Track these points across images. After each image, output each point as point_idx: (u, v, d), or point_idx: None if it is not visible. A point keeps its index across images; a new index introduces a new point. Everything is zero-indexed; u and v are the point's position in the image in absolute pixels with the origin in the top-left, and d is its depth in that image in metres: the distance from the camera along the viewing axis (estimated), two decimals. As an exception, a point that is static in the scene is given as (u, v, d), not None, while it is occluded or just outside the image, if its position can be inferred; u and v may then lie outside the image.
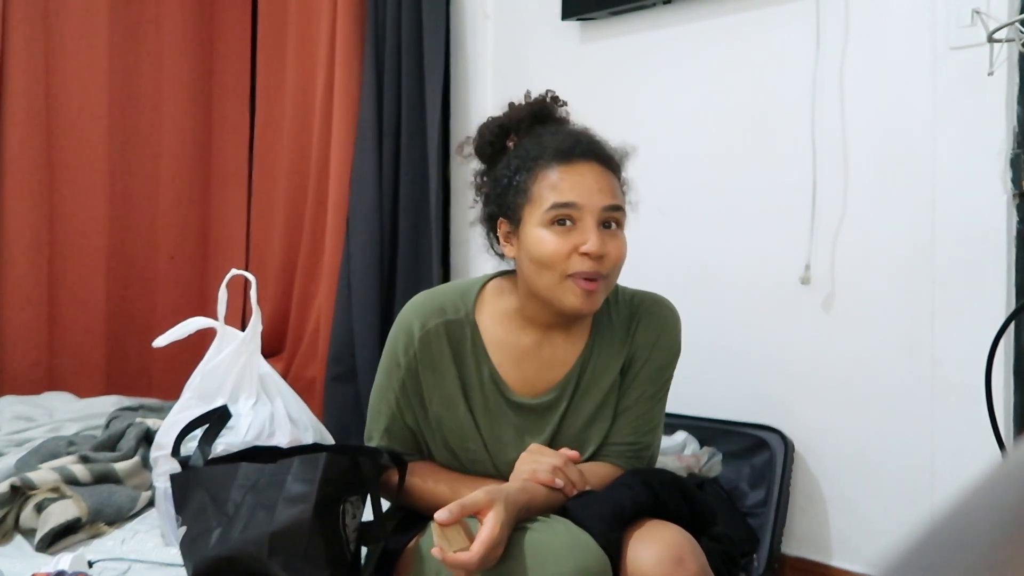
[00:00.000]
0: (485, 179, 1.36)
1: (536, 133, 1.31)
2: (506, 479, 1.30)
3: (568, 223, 1.22)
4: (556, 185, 1.23)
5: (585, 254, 1.21)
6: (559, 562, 1.10)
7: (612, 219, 1.25)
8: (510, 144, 1.34)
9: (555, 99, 1.37)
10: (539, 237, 1.23)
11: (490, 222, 1.34)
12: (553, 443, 1.32)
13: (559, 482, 1.20)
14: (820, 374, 1.86)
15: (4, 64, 2.88)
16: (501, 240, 1.32)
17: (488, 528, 1.09)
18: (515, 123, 1.34)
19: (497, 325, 1.33)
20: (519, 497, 1.16)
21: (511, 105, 1.37)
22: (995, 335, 1.47)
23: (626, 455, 1.33)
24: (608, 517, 1.16)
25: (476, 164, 1.39)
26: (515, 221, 1.27)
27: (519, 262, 1.29)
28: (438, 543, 1.10)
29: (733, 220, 1.99)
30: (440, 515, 1.08)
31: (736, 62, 1.99)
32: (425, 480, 1.33)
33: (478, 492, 1.12)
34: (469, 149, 1.38)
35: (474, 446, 1.32)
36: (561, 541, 1.13)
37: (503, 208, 1.29)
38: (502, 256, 1.34)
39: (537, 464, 1.22)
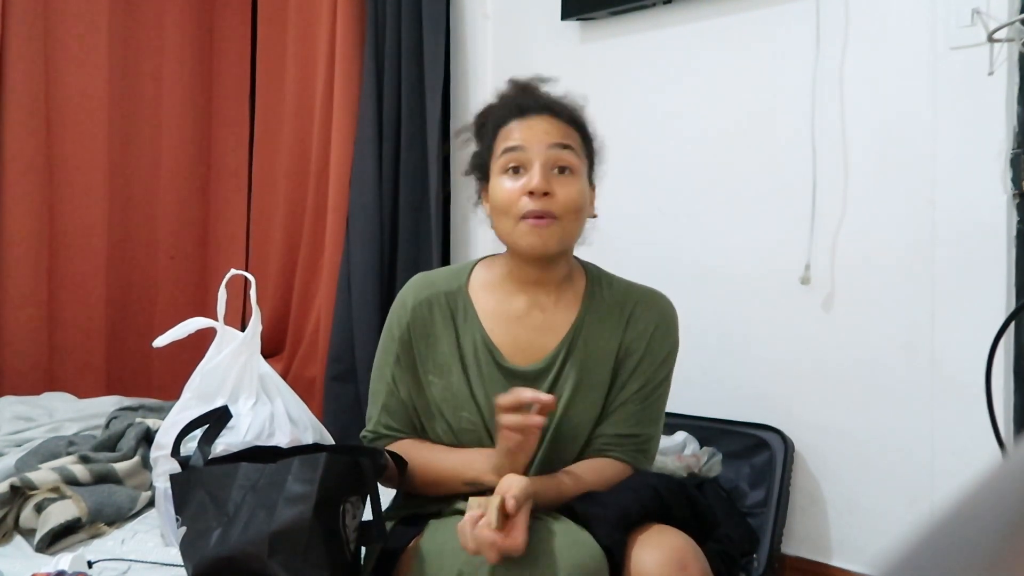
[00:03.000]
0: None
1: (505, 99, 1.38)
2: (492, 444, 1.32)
3: (521, 170, 1.28)
4: (509, 135, 1.31)
5: (531, 192, 1.26)
6: (556, 558, 1.11)
7: (561, 160, 1.28)
8: None
9: (541, 79, 1.41)
10: (495, 185, 1.31)
11: (478, 188, 1.40)
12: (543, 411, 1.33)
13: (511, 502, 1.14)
14: (820, 374, 1.86)
15: (4, 64, 2.88)
16: (482, 200, 1.39)
17: (525, 514, 1.12)
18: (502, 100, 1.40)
19: (488, 294, 1.37)
20: (531, 487, 1.17)
21: (499, 94, 1.43)
22: (995, 335, 1.47)
23: (629, 448, 1.33)
24: (613, 520, 1.16)
25: (473, 147, 1.44)
26: (486, 178, 1.35)
27: (492, 217, 1.35)
28: (490, 516, 1.11)
29: (733, 220, 1.99)
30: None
31: (736, 62, 1.99)
32: (417, 454, 1.33)
33: (508, 479, 1.16)
34: (467, 134, 1.43)
35: (469, 414, 1.33)
36: (559, 539, 1.13)
37: (480, 171, 1.38)
38: (490, 219, 1.38)
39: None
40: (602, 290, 1.38)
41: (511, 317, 1.36)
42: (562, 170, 1.28)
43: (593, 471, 1.29)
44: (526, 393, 1.19)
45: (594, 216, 1.36)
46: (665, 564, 1.12)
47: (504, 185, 1.29)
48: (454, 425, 1.34)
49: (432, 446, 1.36)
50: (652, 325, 1.35)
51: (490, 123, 1.36)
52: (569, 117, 1.34)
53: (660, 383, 1.36)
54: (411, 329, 1.36)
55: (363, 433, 1.41)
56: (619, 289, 1.39)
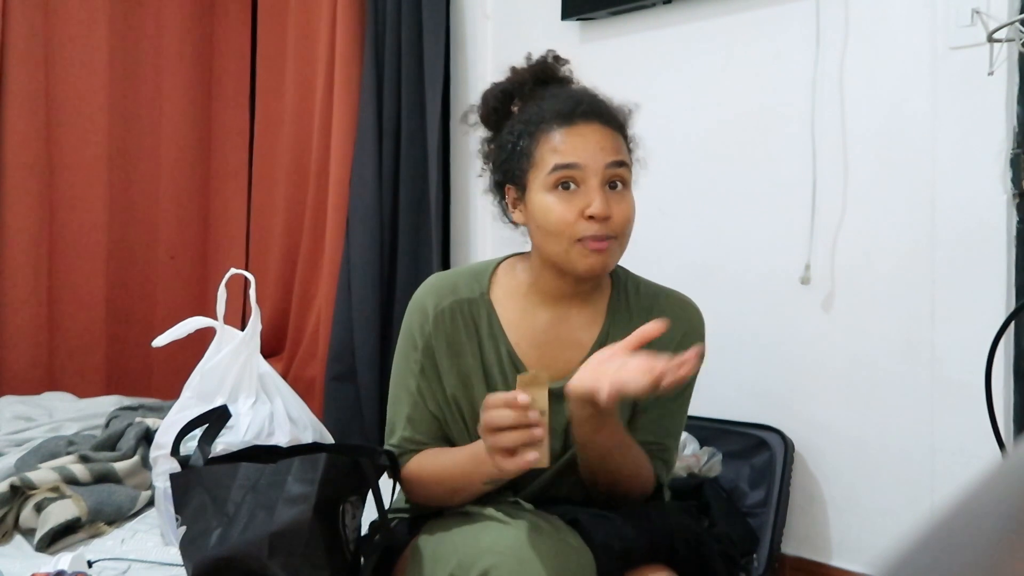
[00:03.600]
0: (492, 146, 1.33)
1: (539, 95, 1.28)
2: None
3: (572, 186, 1.19)
4: (557, 147, 1.20)
5: (591, 217, 1.18)
6: (544, 564, 1.09)
7: (617, 177, 1.21)
8: (514, 109, 1.32)
9: (557, 58, 1.34)
10: (544, 204, 1.20)
11: (498, 189, 1.31)
12: (569, 428, 1.27)
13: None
14: (820, 374, 1.86)
15: (4, 64, 2.88)
16: (510, 207, 1.29)
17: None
18: (518, 86, 1.32)
19: (512, 303, 1.30)
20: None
21: (513, 69, 1.34)
22: (995, 335, 1.47)
23: (650, 456, 1.30)
24: (617, 552, 1.14)
25: (481, 132, 1.36)
26: (521, 187, 1.25)
27: (529, 229, 1.27)
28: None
29: (733, 220, 1.99)
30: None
31: (736, 62, 1.99)
32: (430, 464, 1.27)
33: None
34: (474, 118, 1.35)
35: None
36: (557, 545, 1.12)
37: (509, 175, 1.27)
38: (514, 224, 1.31)
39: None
40: (628, 297, 1.32)
41: (536, 330, 1.29)
42: (614, 185, 1.21)
43: (637, 462, 1.26)
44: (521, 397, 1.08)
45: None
46: None
47: (556, 206, 1.19)
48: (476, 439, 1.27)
49: (440, 453, 1.28)
50: (679, 335, 1.30)
51: (523, 123, 1.26)
52: (617, 123, 1.26)
53: (681, 393, 1.32)
54: (433, 338, 1.27)
55: (388, 447, 1.32)
56: (646, 295, 1.33)
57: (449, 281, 1.31)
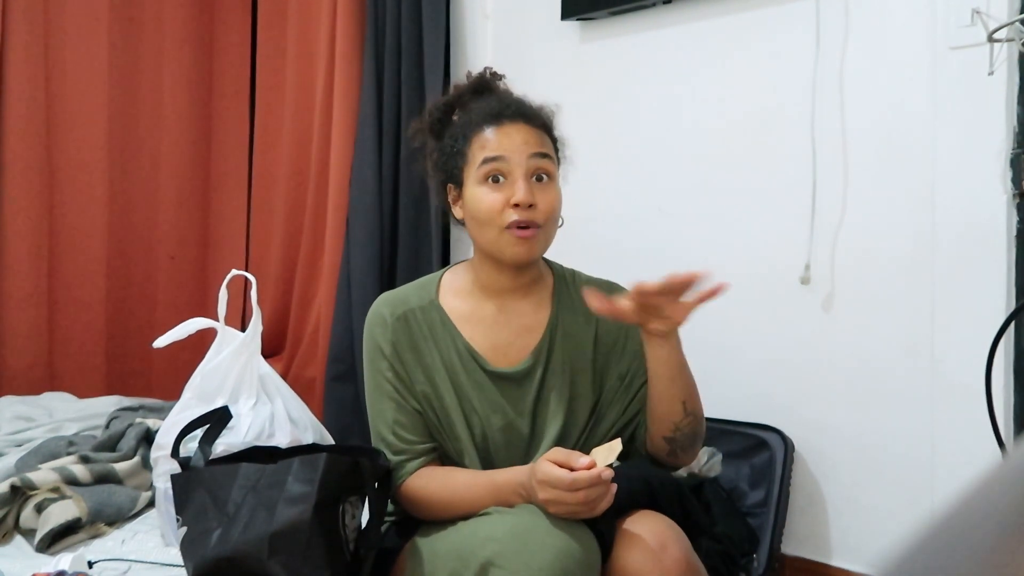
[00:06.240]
0: (434, 153, 1.44)
1: (474, 103, 1.41)
2: (487, 453, 1.35)
3: (501, 179, 1.31)
4: (486, 144, 1.33)
5: (516, 205, 1.29)
6: (547, 542, 1.12)
7: (541, 169, 1.32)
8: (455, 118, 1.44)
9: (494, 74, 1.47)
10: (476, 195, 1.33)
11: (442, 189, 1.42)
12: (536, 410, 1.36)
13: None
14: (820, 374, 1.86)
15: (4, 64, 2.88)
16: (452, 205, 1.41)
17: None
18: (458, 98, 1.44)
19: (461, 302, 1.40)
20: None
21: (455, 86, 1.47)
22: (995, 335, 1.47)
23: None
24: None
25: (421, 143, 1.47)
26: (459, 183, 1.37)
27: (467, 223, 1.38)
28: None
29: (733, 220, 1.99)
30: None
31: (736, 62, 1.99)
32: (442, 487, 1.30)
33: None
34: (418, 128, 1.47)
35: (456, 422, 1.35)
36: (546, 523, 1.14)
37: (449, 174, 1.39)
38: (461, 223, 1.41)
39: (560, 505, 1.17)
40: (568, 286, 1.44)
41: (487, 322, 1.39)
42: (540, 178, 1.32)
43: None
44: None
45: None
46: (646, 547, 1.16)
47: (486, 196, 1.31)
48: (452, 435, 1.35)
49: (449, 479, 1.31)
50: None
51: (459, 127, 1.38)
52: (541, 122, 1.38)
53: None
54: (396, 342, 1.37)
55: (388, 458, 1.35)
56: (583, 283, 1.44)
57: (400, 295, 1.43)
